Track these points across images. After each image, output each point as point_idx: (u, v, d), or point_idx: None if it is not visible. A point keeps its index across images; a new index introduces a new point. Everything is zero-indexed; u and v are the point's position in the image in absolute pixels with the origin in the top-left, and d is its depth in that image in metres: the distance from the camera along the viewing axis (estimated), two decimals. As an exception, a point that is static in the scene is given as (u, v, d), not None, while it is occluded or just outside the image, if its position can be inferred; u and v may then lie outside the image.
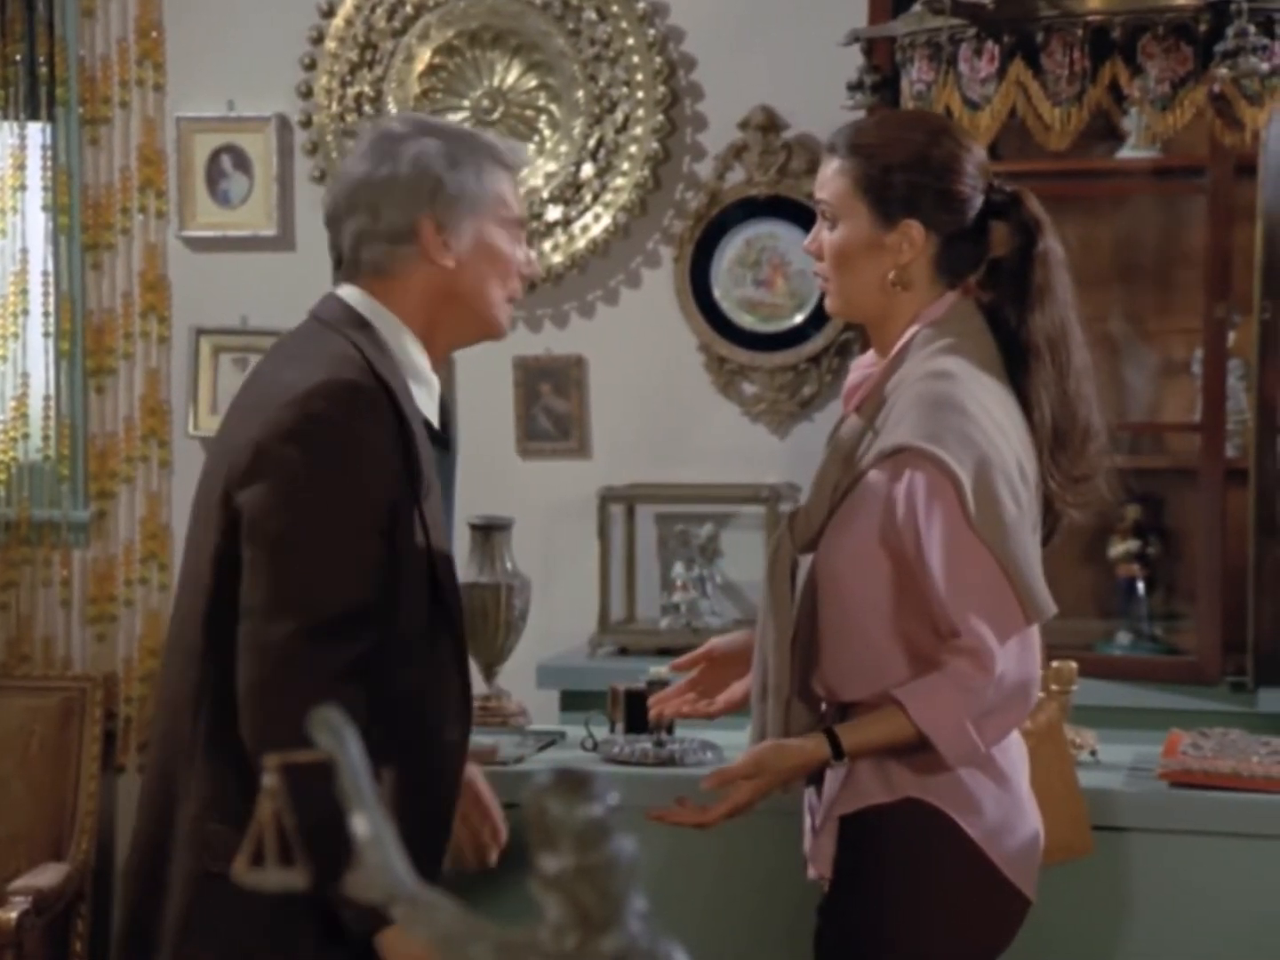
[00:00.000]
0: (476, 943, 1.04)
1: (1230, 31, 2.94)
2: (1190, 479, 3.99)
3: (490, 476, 4.37)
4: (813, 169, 4.35)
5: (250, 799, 1.30)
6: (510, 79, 4.48)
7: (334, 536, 2.31)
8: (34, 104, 4.64)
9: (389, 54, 4.52)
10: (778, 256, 4.40)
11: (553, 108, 4.46)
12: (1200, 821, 3.03)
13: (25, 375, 4.71)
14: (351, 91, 4.54)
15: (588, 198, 4.45)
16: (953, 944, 2.53)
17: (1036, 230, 2.53)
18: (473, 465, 3.85)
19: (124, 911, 2.50)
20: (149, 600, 4.73)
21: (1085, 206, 4.37)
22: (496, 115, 4.49)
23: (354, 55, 4.53)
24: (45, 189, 4.67)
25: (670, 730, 3.16)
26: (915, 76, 3.25)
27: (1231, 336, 4.00)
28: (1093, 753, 3.11)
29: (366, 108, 4.54)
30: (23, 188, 4.70)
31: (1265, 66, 2.96)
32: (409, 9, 4.50)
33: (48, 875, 4.33)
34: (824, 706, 2.58)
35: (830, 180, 2.56)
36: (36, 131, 4.68)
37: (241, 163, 4.63)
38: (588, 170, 4.44)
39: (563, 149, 4.46)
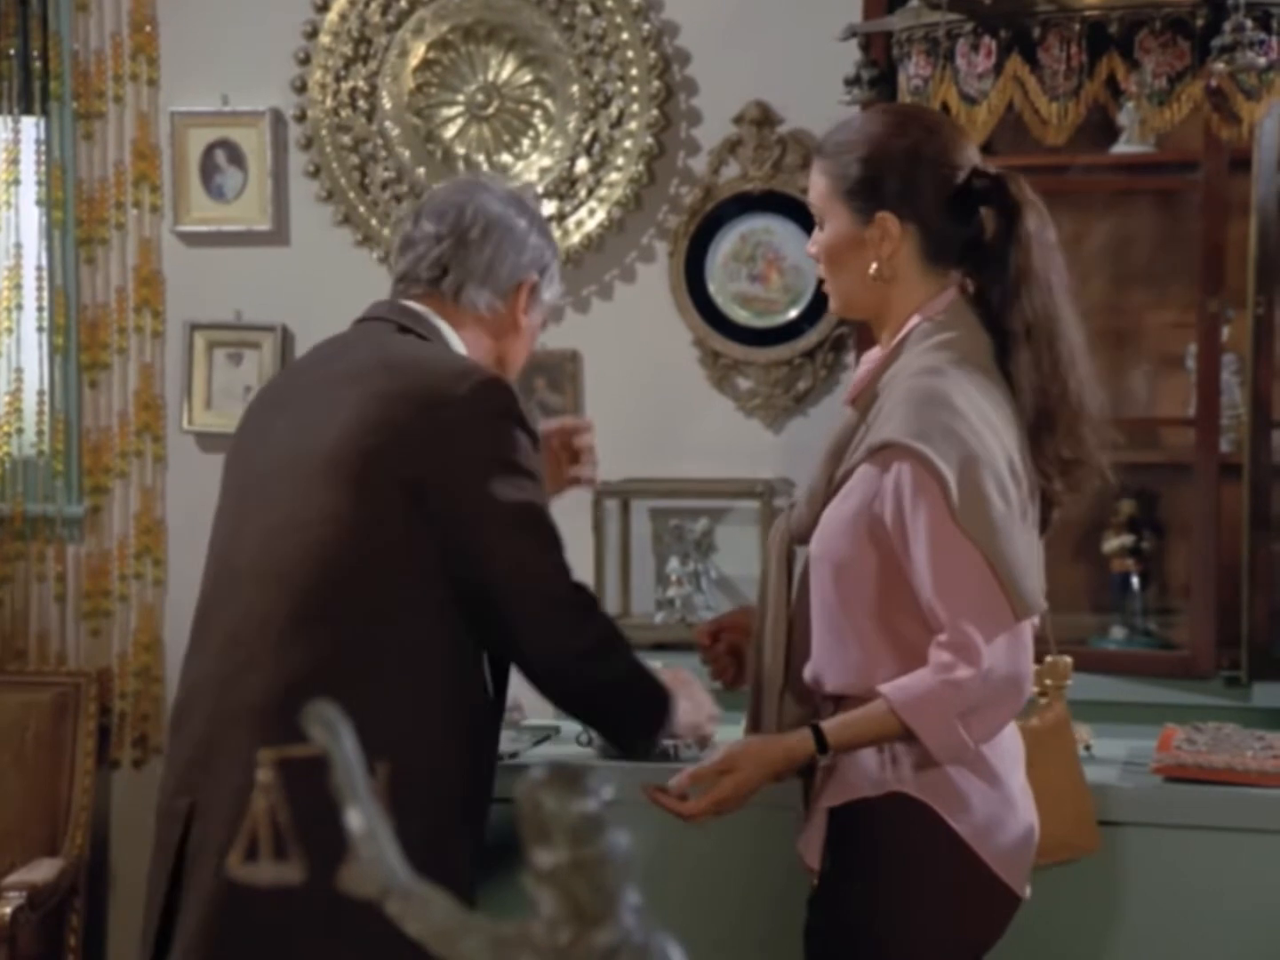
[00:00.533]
0: (470, 937, 1.04)
1: (1227, 26, 2.94)
2: (1185, 474, 3.99)
3: (485, 471, 4.36)
4: (807, 164, 4.34)
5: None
6: (505, 74, 4.48)
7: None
8: (28, 98, 4.64)
9: (383, 49, 4.52)
10: (772, 251, 4.40)
11: (547, 103, 4.46)
12: (1194, 816, 3.03)
13: (19, 370, 4.71)
14: (346, 86, 4.54)
15: (582, 193, 4.45)
16: (940, 939, 2.53)
17: (1016, 213, 2.52)
18: (467, 460, 3.85)
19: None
20: (143, 595, 4.72)
21: (1080, 201, 4.37)
22: (491, 110, 4.49)
23: (348, 50, 4.53)
24: (39, 183, 4.67)
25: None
26: (912, 72, 3.25)
27: (1226, 331, 4.00)
28: (1087, 747, 3.11)
29: (361, 102, 4.54)
30: (16, 182, 4.69)
31: (1262, 61, 2.96)
32: (403, 3, 4.49)
33: (42, 870, 4.33)
34: (816, 699, 2.58)
35: (814, 183, 2.61)
36: (30, 126, 4.68)
37: (236, 157, 4.63)
38: (582, 165, 4.44)
39: (557, 144, 4.46)
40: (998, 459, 2.43)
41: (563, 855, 1.01)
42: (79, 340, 4.69)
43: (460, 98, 4.50)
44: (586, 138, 4.43)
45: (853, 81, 3.52)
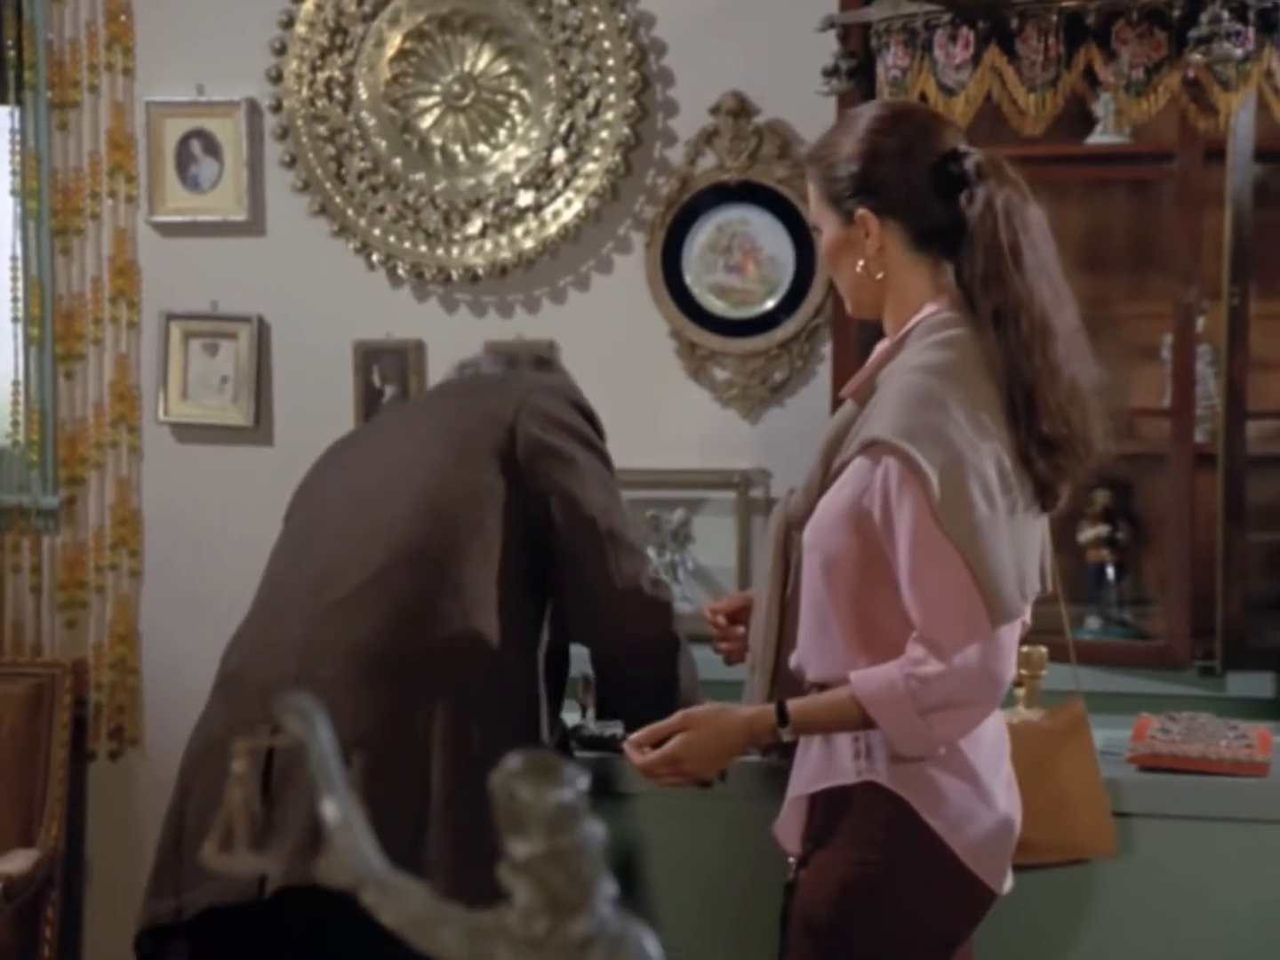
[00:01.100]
0: (446, 927, 1.04)
1: (1204, 18, 2.94)
2: (1160, 464, 4.00)
3: (461, 462, 4.36)
4: (784, 154, 4.36)
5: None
6: (481, 64, 4.47)
7: None
8: (2, 88, 4.61)
9: (359, 39, 4.51)
10: (749, 242, 4.39)
11: (524, 93, 4.45)
12: (1168, 805, 3.04)
13: (-6, 361, 4.69)
14: (322, 76, 4.53)
15: (559, 183, 4.44)
16: (910, 929, 2.54)
17: (990, 192, 2.51)
18: (444, 451, 3.84)
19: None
20: (119, 586, 4.71)
21: (1056, 192, 4.37)
22: (467, 100, 4.48)
23: (324, 40, 4.52)
24: (14, 174, 4.65)
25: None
26: (890, 63, 3.25)
27: (1201, 322, 4.01)
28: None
29: (337, 92, 4.53)
30: (-9, 172, 4.68)
31: (1239, 52, 2.97)
32: (379, -7, 4.49)
33: (17, 861, 4.32)
34: (803, 687, 2.59)
35: (809, 193, 2.66)
36: (4, 116, 4.65)
37: (211, 147, 4.61)
38: (559, 156, 4.43)
39: (534, 134, 4.45)
40: (985, 462, 2.42)
41: (538, 845, 1.01)
42: (54, 331, 4.68)
43: (437, 88, 4.49)
44: (563, 128, 4.42)
45: (830, 72, 3.52)
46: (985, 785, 2.53)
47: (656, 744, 2.61)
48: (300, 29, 4.52)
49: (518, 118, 4.46)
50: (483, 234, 4.48)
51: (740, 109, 4.35)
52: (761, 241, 4.38)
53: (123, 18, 4.61)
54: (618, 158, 4.40)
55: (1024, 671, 2.98)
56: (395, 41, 4.49)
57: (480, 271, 4.48)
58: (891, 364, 2.53)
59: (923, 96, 3.14)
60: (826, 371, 4.26)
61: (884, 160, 2.55)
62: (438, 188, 4.49)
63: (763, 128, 4.36)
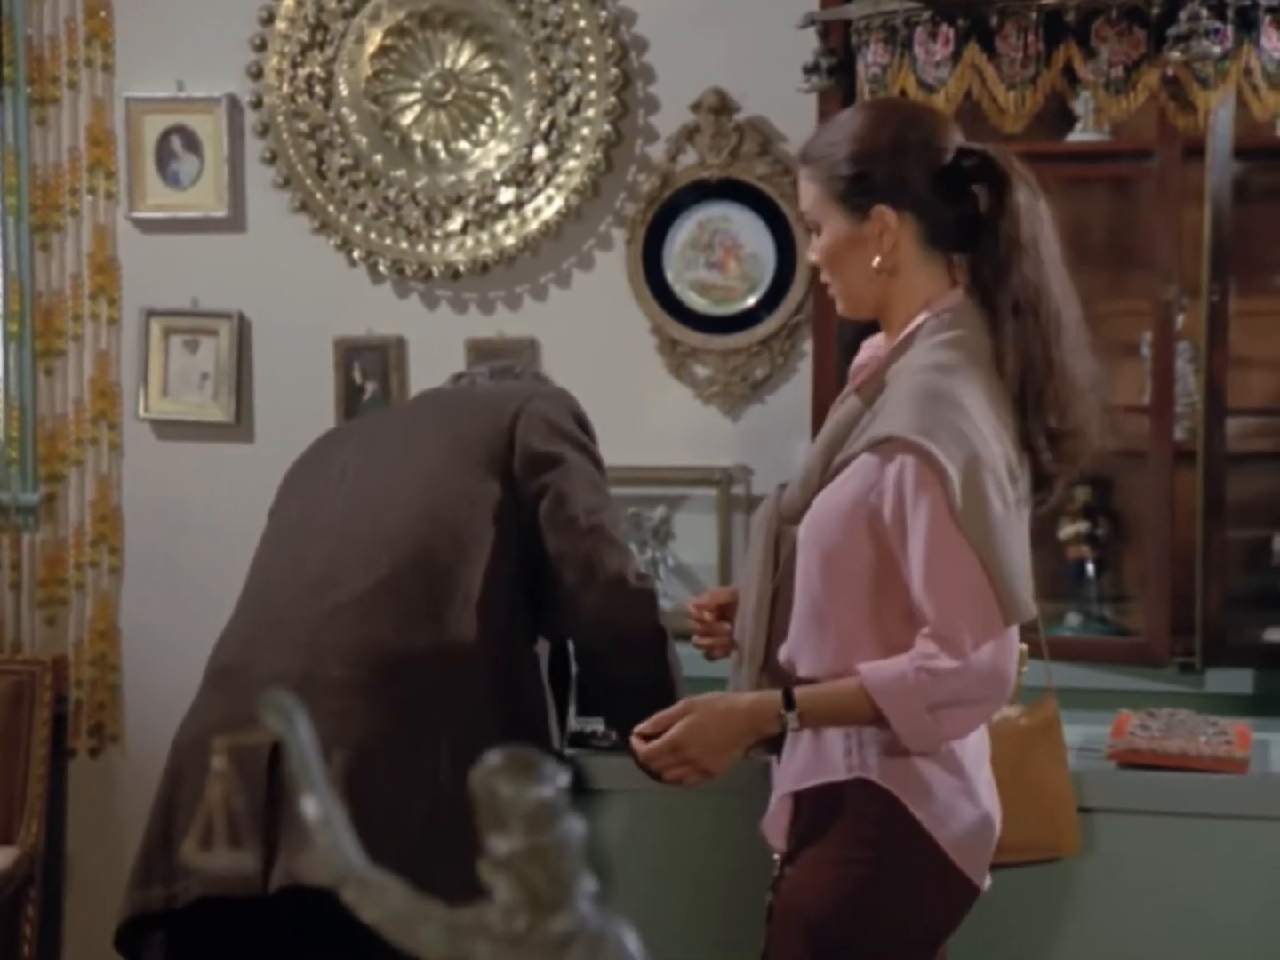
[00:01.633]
0: (426, 924, 1.04)
1: (1183, 15, 2.95)
2: (1139, 461, 4.00)
3: (442, 459, 4.35)
4: (765, 151, 4.36)
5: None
6: (462, 61, 4.47)
7: None
8: (-19, 83, 4.60)
9: (340, 35, 4.50)
10: (730, 239, 4.40)
11: (504, 90, 4.45)
12: (1148, 801, 3.05)
13: (-27, 357, 4.68)
14: (302, 72, 4.52)
15: (540, 180, 4.44)
16: (896, 925, 2.54)
17: (1005, 186, 2.54)
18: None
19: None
20: (99, 583, 4.70)
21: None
22: (448, 97, 4.47)
23: (304, 36, 4.51)
24: (-7, 169, 4.64)
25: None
26: (870, 60, 3.25)
27: (1180, 319, 4.02)
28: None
29: (317, 89, 4.52)
30: (-30, 168, 4.66)
31: (1217, 50, 2.98)
32: (360, -11, 4.48)
33: (-3, 859, 4.31)
34: (792, 681, 2.59)
35: (803, 191, 2.63)
36: (-16, 111, 4.65)
37: (192, 144, 4.60)
38: (540, 152, 4.43)
39: (515, 131, 4.45)
40: (998, 462, 2.44)
41: (519, 842, 1.01)
42: (34, 327, 4.67)
43: (417, 84, 4.49)
44: (544, 125, 4.42)
45: (811, 69, 3.52)
46: (971, 781, 2.54)
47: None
48: (281, 25, 4.52)
49: (499, 114, 4.46)
50: (464, 231, 4.47)
51: (721, 106, 4.35)
52: (743, 238, 4.38)
53: (102, 13, 4.60)
54: (599, 154, 4.40)
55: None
56: (376, 38, 4.49)
57: (461, 268, 4.48)
58: (900, 361, 2.53)
59: (903, 93, 3.15)
60: (807, 368, 4.26)
61: (905, 154, 2.54)
62: (419, 184, 4.49)
63: (744, 125, 4.36)
